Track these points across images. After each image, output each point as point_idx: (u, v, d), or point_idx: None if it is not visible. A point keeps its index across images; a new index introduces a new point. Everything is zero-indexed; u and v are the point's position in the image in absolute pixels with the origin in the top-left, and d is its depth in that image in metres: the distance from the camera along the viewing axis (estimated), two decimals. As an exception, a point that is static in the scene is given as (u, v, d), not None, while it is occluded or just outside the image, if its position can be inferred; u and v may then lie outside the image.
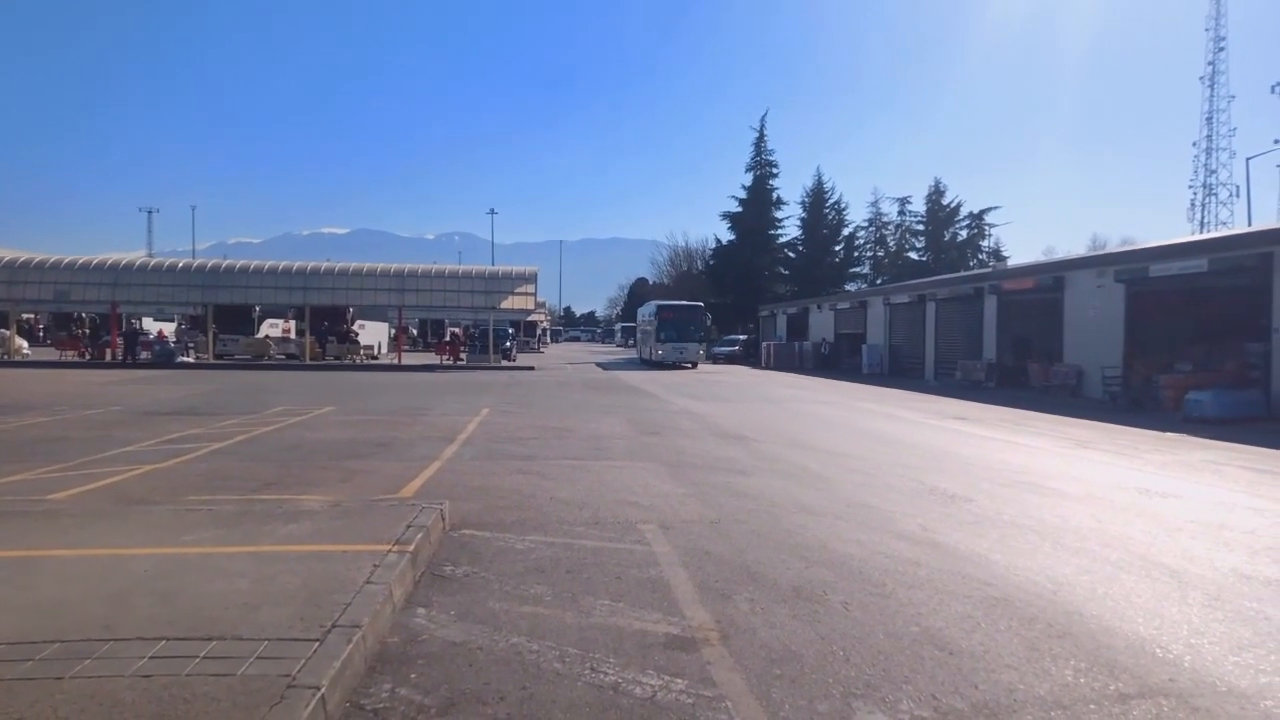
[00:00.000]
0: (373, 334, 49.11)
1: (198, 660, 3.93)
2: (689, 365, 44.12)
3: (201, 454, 11.41)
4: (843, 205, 67.44)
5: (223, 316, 40.67)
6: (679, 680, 4.22)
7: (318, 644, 4.12)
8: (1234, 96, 78.16)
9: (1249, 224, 51.17)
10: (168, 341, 40.41)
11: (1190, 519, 8.40)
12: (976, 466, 11.75)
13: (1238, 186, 76.49)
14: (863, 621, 5.17)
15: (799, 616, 5.24)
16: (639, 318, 55.35)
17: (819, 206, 66.61)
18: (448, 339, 47.58)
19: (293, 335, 44.22)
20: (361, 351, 43.25)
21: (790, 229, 67.18)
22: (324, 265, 41.00)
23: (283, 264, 39.88)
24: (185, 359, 38.64)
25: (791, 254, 67.21)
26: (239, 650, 4.05)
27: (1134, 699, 4.12)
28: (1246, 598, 5.79)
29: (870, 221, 71.70)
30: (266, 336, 43.14)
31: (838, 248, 67.80)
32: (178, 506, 7.47)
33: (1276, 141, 73.77)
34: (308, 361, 39.04)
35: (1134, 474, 11.30)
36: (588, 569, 6.16)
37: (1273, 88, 77.18)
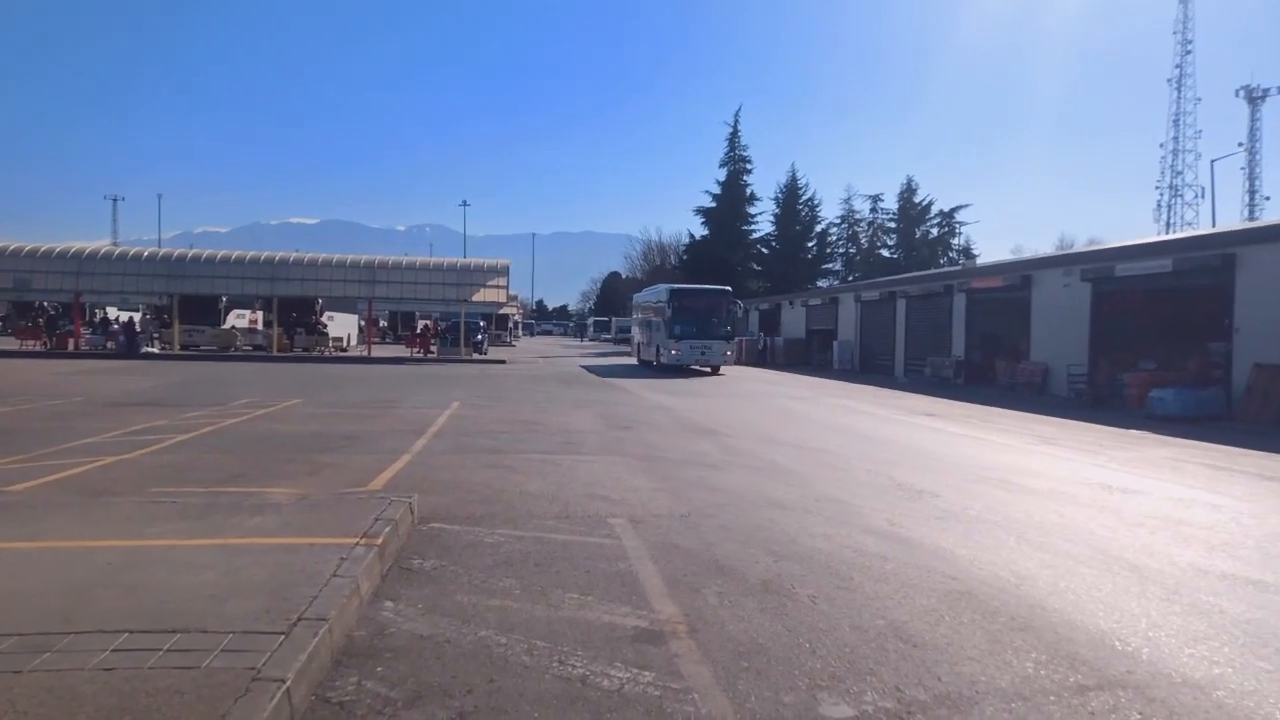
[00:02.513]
0: (342, 326, 48.60)
1: (161, 653, 3.88)
2: (709, 370, 33.94)
3: (167, 446, 11.26)
4: (816, 202, 67.83)
5: (188, 307, 40.07)
6: (647, 673, 4.24)
7: (283, 637, 4.09)
8: (1200, 99, 79.58)
9: (1213, 225, 52.18)
10: (134, 331, 39.81)
11: (1150, 515, 8.55)
12: (944, 462, 11.88)
13: (1203, 188, 77.84)
14: (829, 615, 5.22)
15: (767, 610, 5.28)
16: (637, 306, 43.22)
17: (792, 203, 66.89)
18: (418, 331, 47.25)
19: (260, 326, 43.66)
20: (330, 343, 42.82)
21: (764, 225, 67.49)
22: (292, 256, 40.55)
23: (250, 254, 39.40)
24: (150, 350, 38.06)
25: (765, 250, 67.49)
26: (203, 643, 4.01)
27: (1093, 690, 4.20)
28: (1203, 592, 5.92)
29: (843, 218, 72.28)
30: (233, 327, 42.56)
31: (810, 244, 68.19)
32: (142, 498, 7.38)
33: (1240, 145, 75.36)
34: (275, 353, 38.62)
35: (1097, 470, 11.49)
36: (557, 562, 6.16)
37: (1237, 91, 78.70)
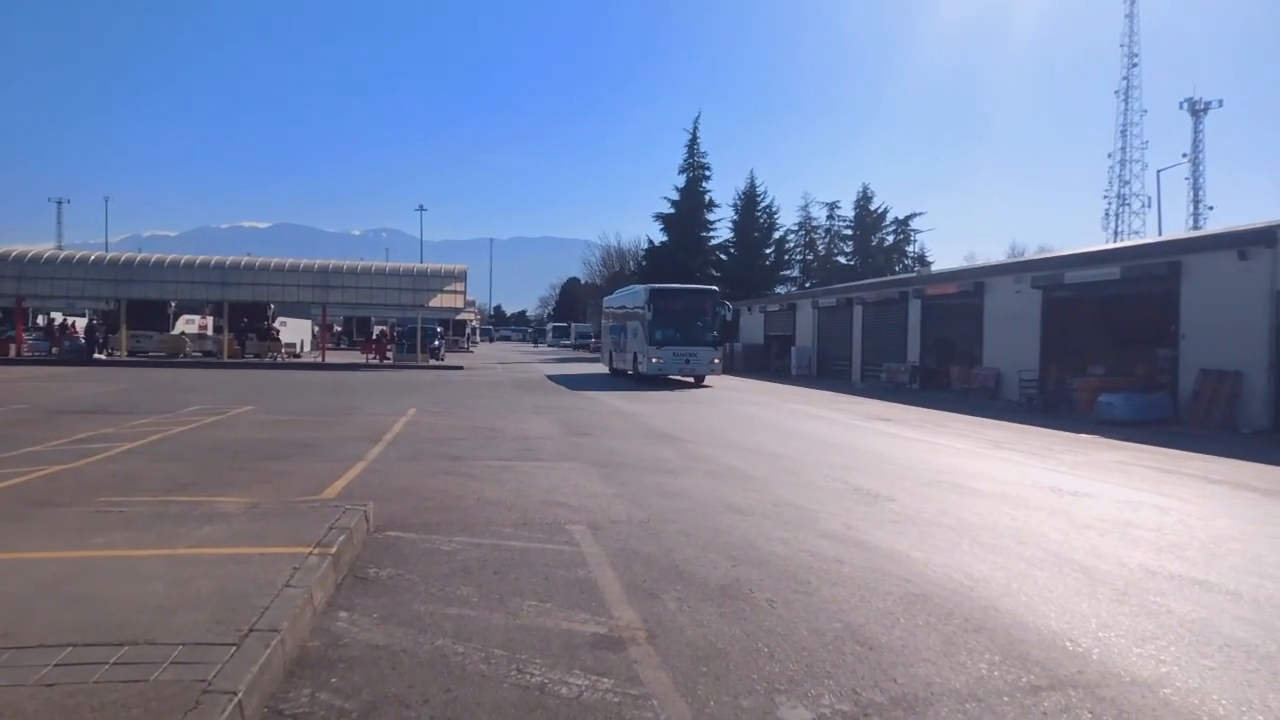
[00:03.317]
0: (295, 331, 47.90)
1: (107, 667, 3.78)
2: (692, 379, 30.35)
3: (113, 454, 10.98)
4: (774, 209, 68.28)
5: (136, 312, 39.20)
6: (606, 679, 4.22)
7: (235, 648, 4.00)
8: (1146, 111, 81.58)
9: (1159, 233, 53.51)
10: (78, 337, 38.85)
11: (1100, 517, 8.73)
12: (899, 466, 12.02)
13: (1149, 197, 79.80)
14: (787, 619, 5.24)
15: (725, 614, 5.29)
16: (609, 309, 38.86)
17: (751, 209, 67.28)
18: (374, 337, 46.72)
19: (210, 332, 42.87)
20: (283, 349, 42.19)
21: (722, 231, 67.74)
22: (244, 260, 39.92)
23: (200, 258, 38.69)
24: (97, 355, 37.18)
25: (723, 256, 67.81)
26: (152, 655, 3.91)
27: (1045, 690, 4.26)
28: (1151, 592, 6.05)
29: (800, 225, 72.83)
30: (183, 333, 41.75)
31: (769, 250, 68.64)
32: (87, 508, 7.19)
33: (1184, 156, 77.49)
34: (226, 359, 37.93)
35: (1048, 474, 11.71)
36: (515, 570, 6.12)
37: (1181, 104, 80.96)
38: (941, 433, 16.78)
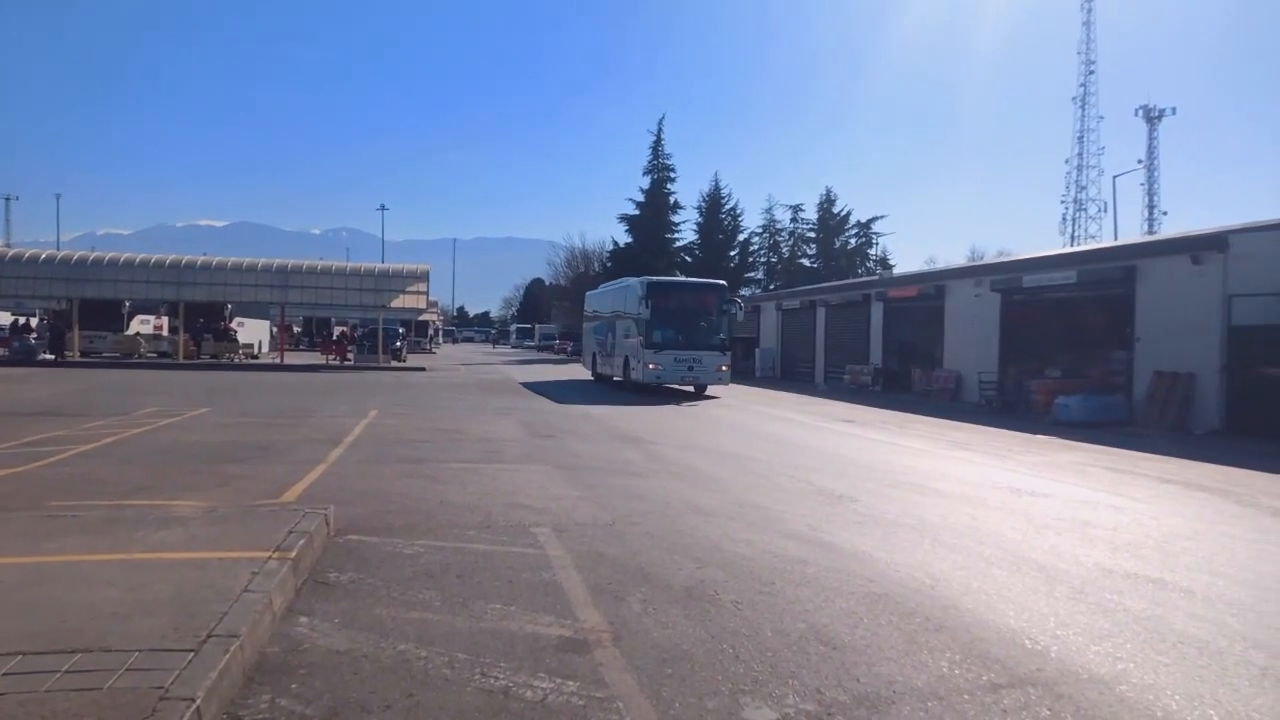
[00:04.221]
0: (253, 332, 47.13)
1: (59, 675, 3.68)
2: (693, 390, 26.32)
3: (66, 457, 10.72)
4: (738, 211, 68.45)
5: (89, 312, 38.34)
6: (571, 682, 4.21)
7: (192, 654, 3.93)
8: (1103, 117, 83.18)
9: (1115, 238, 54.51)
10: (28, 338, 37.93)
11: (1058, 517, 8.88)
12: (862, 467, 12.13)
13: (1105, 203, 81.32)
14: (752, 620, 5.26)
15: (691, 616, 5.29)
16: (593, 309, 33.45)
17: (715, 212, 67.51)
18: (334, 338, 46.15)
19: (166, 332, 42.06)
20: (240, 350, 41.53)
21: (687, 233, 67.83)
22: (200, 259, 39.19)
23: (155, 257, 37.92)
24: (48, 356, 36.32)
25: (688, 258, 67.94)
26: (106, 663, 3.82)
27: (1004, 688, 4.32)
28: (1108, 590, 6.16)
29: (764, 228, 73.17)
30: (137, 334, 40.91)
31: (733, 253, 68.91)
32: (39, 513, 7.00)
33: (1140, 162, 79.16)
34: (182, 360, 37.19)
35: (1007, 474, 11.88)
36: (479, 573, 6.07)
37: (1136, 111, 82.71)
38: (903, 434, 16.96)
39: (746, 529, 7.82)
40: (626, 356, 26.82)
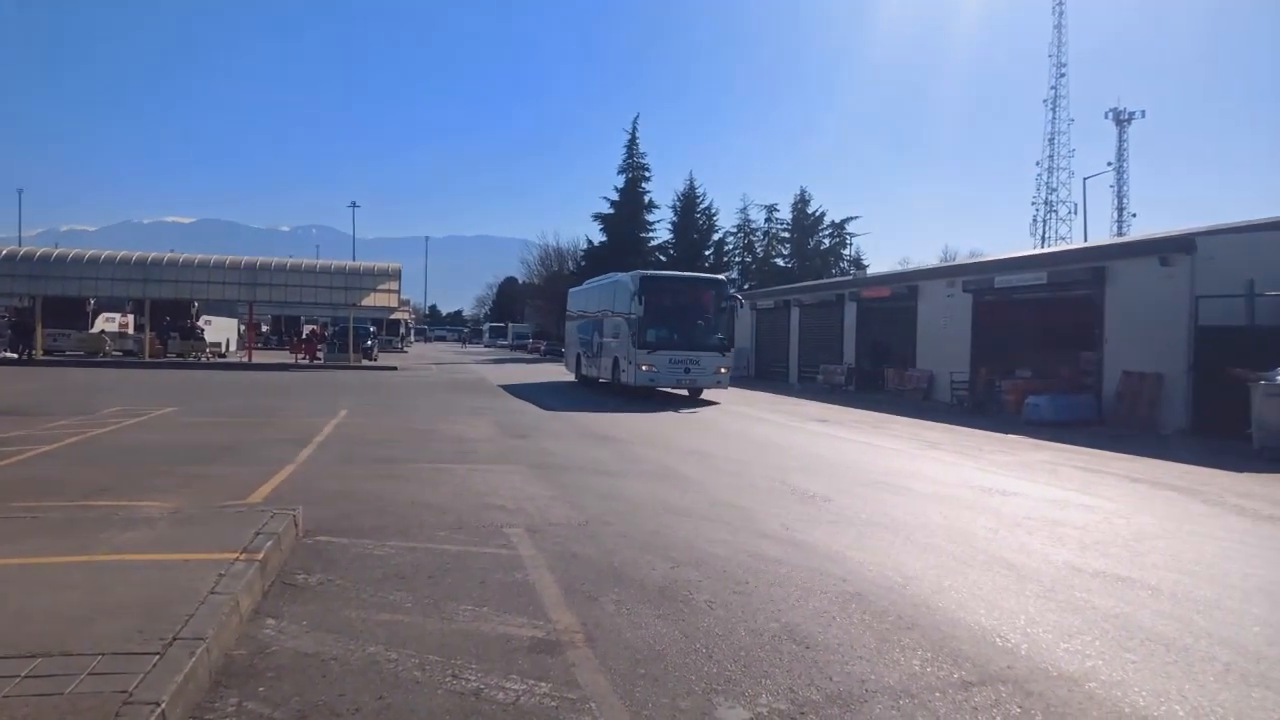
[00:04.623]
0: (220, 330, 46.52)
1: (19, 680, 3.59)
2: (687, 393, 24.80)
3: (27, 457, 10.51)
4: (713, 211, 68.65)
5: (53, 309, 37.67)
6: (543, 684, 4.17)
7: (157, 658, 3.85)
8: (1073, 120, 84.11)
9: (1085, 240, 55.16)
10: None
11: (1028, 516, 8.95)
12: (836, 467, 12.18)
13: (1075, 204, 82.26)
14: (726, 619, 5.25)
15: (664, 616, 5.27)
16: (577, 307, 31.74)
17: (690, 211, 67.62)
18: (304, 336, 45.68)
19: (131, 331, 41.41)
20: (208, 349, 41.00)
21: (662, 232, 67.89)
22: (167, 256, 38.67)
23: (121, 254, 37.36)
24: (10, 354, 35.62)
25: (663, 257, 67.97)
26: (68, 667, 3.73)
27: (975, 686, 4.34)
28: (1077, 589, 6.21)
29: (739, 227, 73.34)
30: (102, 332, 40.26)
31: (708, 252, 69.03)
32: (-4, 514, 6.85)
33: (1109, 164, 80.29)
34: (148, 359, 36.63)
35: (978, 473, 11.98)
36: (451, 574, 6.01)
37: (1106, 114, 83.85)
38: (877, 434, 17.06)
39: (720, 528, 7.81)
40: (616, 357, 24.95)
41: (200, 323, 43.47)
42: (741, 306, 25.54)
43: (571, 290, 34.37)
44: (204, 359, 39.25)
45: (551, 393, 25.57)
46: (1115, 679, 4.48)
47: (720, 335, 23.97)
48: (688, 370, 23.04)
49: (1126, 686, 4.38)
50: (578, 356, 30.43)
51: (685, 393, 24.69)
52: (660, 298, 23.54)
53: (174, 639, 4.08)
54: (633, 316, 23.35)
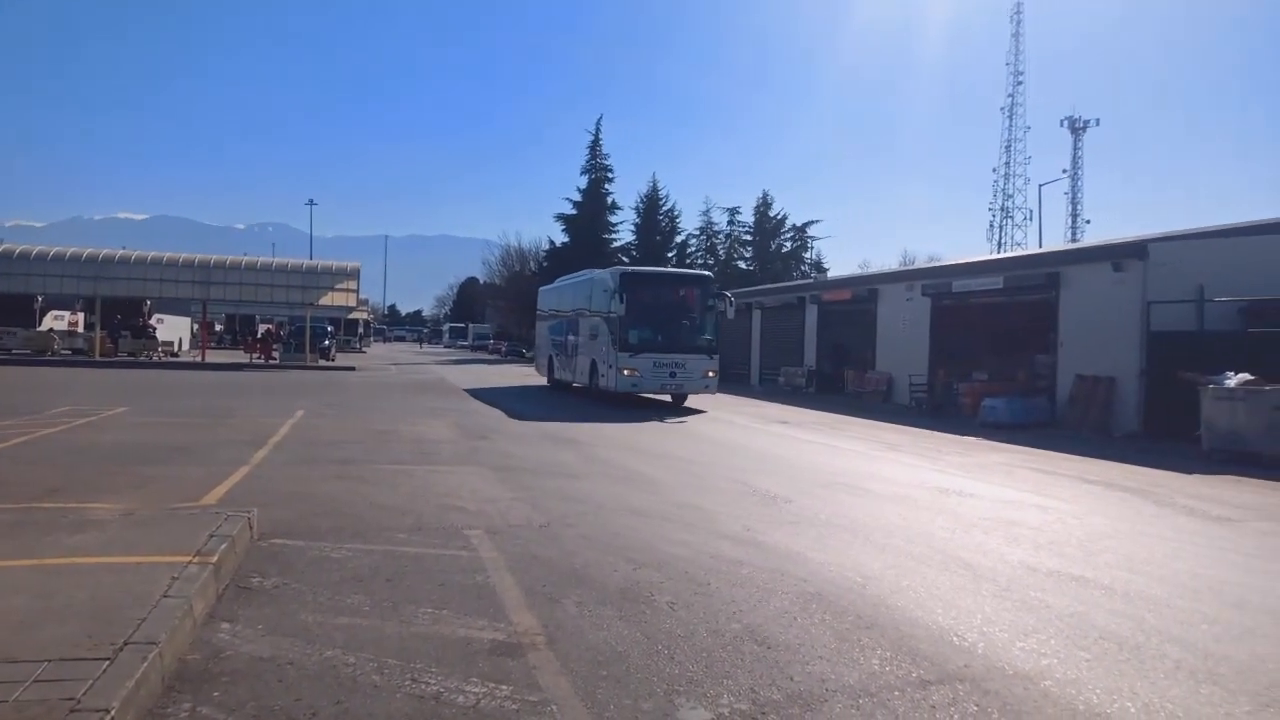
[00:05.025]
0: (173, 329, 45.67)
1: (-40, 688, 3.48)
2: (671, 399, 23.05)
3: (-31, 458, 10.22)
4: (676, 213, 68.79)
5: (-1, 307, 36.74)
6: (504, 687, 4.13)
7: (108, 663, 3.75)
8: (1030, 127, 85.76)
9: (1040, 245, 56.19)
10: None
11: (984, 516, 9.08)
12: (797, 468, 12.26)
13: (1031, 211, 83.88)
14: (687, 620, 5.25)
15: (626, 617, 5.26)
16: (549, 304, 30.21)
17: (653, 213, 67.70)
18: (259, 336, 44.97)
19: (81, 329, 40.48)
20: (160, 348, 40.21)
21: (625, 234, 67.89)
22: (118, 253, 37.87)
23: (70, 250, 36.50)
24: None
25: (626, 259, 67.96)
26: (14, 674, 3.62)
27: (934, 685, 4.39)
28: (1032, 588, 6.31)
29: (702, 230, 73.57)
30: (50, 330, 39.30)
31: (670, 254, 69.14)
32: (-63, 517, 6.64)
33: (1064, 171, 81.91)
34: (98, 358, 35.84)
35: (936, 475, 12.12)
36: (410, 577, 5.94)
37: (1061, 122, 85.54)
38: (837, 435, 17.20)
39: (682, 530, 7.82)
40: (593, 360, 23.21)
41: (152, 321, 42.64)
42: (731, 305, 23.60)
43: (543, 288, 32.46)
44: (156, 358, 38.49)
45: (521, 398, 24.07)
46: (1070, 677, 4.55)
47: (707, 336, 22.51)
48: (673, 374, 21.36)
49: (1081, 684, 4.45)
50: (550, 359, 28.67)
51: (668, 398, 23.11)
52: (643, 296, 21.91)
53: (125, 643, 3.99)
54: (613, 316, 21.64)
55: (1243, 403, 14.44)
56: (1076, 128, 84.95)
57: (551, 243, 69.15)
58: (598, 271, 25.45)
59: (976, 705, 4.14)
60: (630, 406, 21.88)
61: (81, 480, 8.97)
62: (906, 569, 6.71)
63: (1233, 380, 14.80)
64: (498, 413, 19.35)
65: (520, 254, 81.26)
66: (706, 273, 25.41)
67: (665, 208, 68.38)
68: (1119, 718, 4.06)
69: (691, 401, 23.22)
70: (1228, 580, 6.79)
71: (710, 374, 21.91)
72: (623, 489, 9.94)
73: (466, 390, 26.14)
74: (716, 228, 73.13)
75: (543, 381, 29.66)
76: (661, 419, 19.23)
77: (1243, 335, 17.65)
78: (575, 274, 29.27)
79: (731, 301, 23.36)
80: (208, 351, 42.09)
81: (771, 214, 70.75)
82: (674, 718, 3.91)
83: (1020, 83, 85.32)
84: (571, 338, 25.85)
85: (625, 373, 21.04)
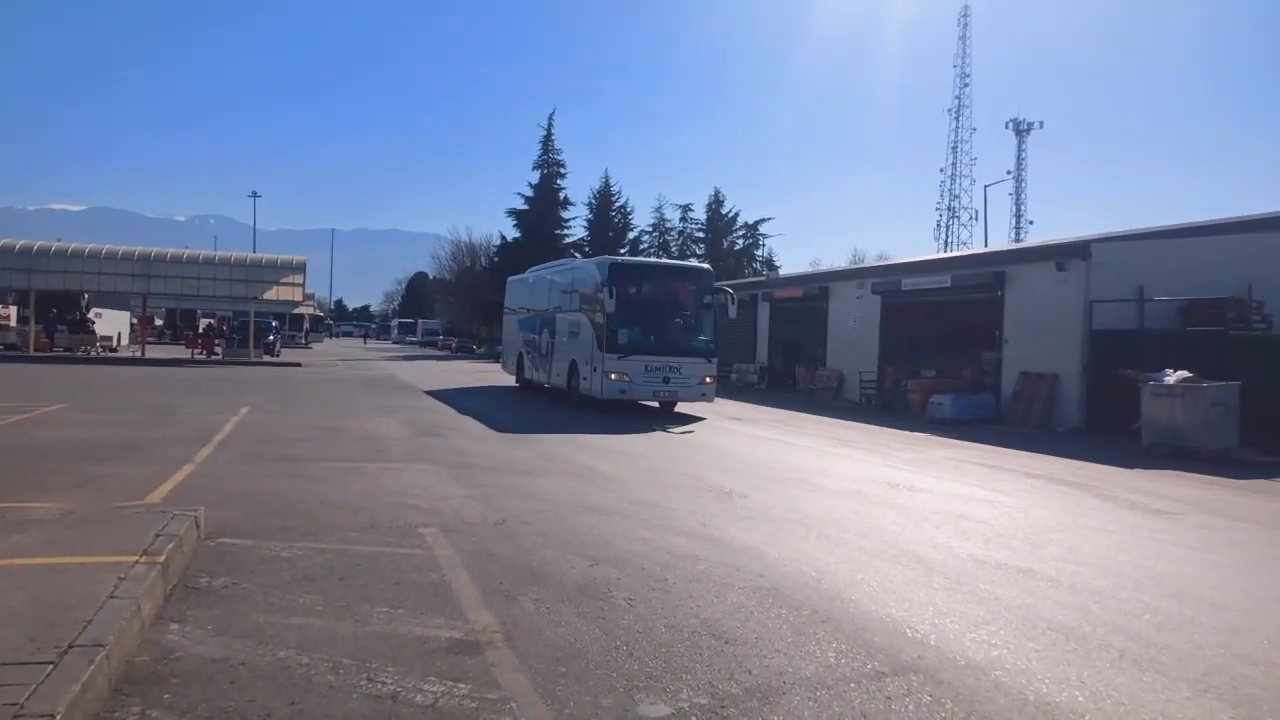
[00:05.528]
0: (112, 324, 44.32)
1: (-109, 698, 3.34)
2: (658, 406, 20.45)
3: (-103, 457, 9.82)
4: (629, 209, 68.76)
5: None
6: (462, 685, 4.09)
7: (52, 667, 3.63)
8: (975, 129, 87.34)
9: (985, 245, 57.30)
10: None
11: (934, 510, 9.25)
12: (751, 464, 12.36)
13: (977, 211, 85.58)
14: (645, 616, 5.26)
15: (584, 614, 5.25)
16: (519, 299, 27.41)
17: (605, 209, 67.58)
18: (201, 331, 43.93)
19: (14, 323, 39.11)
20: (98, 343, 39.06)
21: (577, 230, 67.64)
22: (54, 245, 36.62)
23: (3, 241, 35.25)
24: None
25: (578, 255, 67.77)
26: (-51, 681, 3.49)
27: (888, 676, 4.46)
28: (981, 580, 6.44)
29: (654, 227, 73.59)
30: (-19, 324, 37.97)
31: (623, 250, 69.11)
32: None
33: (1009, 172, 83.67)
34: (33, 353, 34.66)
35: (887, 470, 12.31)
36: (363, 575, 5.85)
37: (1007, 124, 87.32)
38: (790, 432, 17.37)
39: (639, 526, 7.82)
40: (573, 361, 20.59)
41: (90, 315, 41.39)
42: (733, 302, 20.63)
43: (512, 279, 29.50)
44: (94, 354, 37.34)
45: (494, 403, 21.16)
46: (1020, 667, 4.65)
47: (706, 337, 19.86)
48: (667, 380, 18.80)
49: (1030, 674, 4.56)
50: (520, 357, 25.91)
51: (656, 405, 20.50)
52: (635, 290, 19.52)
53: (70, 646, 3.86)
54: (599, 313, 19.02)
55: (1181, 399, 14.91)
56: (1021, 130, 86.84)
57: (503, 238, 68.68)
58: (582, 261, 23.26)
59: (930, 696, 4.21)
60: (619, 414, 18.78)
61: (19, 479, 8.67)
62: (860, 563, 6.80)
63: (1172, 378, 15.27)
64: (475, 424, 17.23)
65: (471, 249, 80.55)
66: (705, 265, 23.36)
67: (618, 204, 68.32)
68: (1068, 706, 4.16)
69: (685, 409, 20.71)
70: (1168, 572, 7.02)
71: (708, 379, 19.39)
72: (579, 485, 9.91)
73: (428, 392, 23.53)
74: (669, 224, 73.20)
75: (510, 381, 27.14)
76: (649, 431, 16.23)
77: (1181, 334, 18.24)
78: (553, 263, 27.64)
79: (734, 298, 20.69)
80: (148, 346, 41.01)
81: (724, 211, 71.05)
82: (634, 713, 3.91)
83: (967, 85, 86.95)
84: (546, 336, 23.18)
85: (612, 377, 18.50)
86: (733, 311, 20.55)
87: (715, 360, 19.89)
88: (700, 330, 19.95)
